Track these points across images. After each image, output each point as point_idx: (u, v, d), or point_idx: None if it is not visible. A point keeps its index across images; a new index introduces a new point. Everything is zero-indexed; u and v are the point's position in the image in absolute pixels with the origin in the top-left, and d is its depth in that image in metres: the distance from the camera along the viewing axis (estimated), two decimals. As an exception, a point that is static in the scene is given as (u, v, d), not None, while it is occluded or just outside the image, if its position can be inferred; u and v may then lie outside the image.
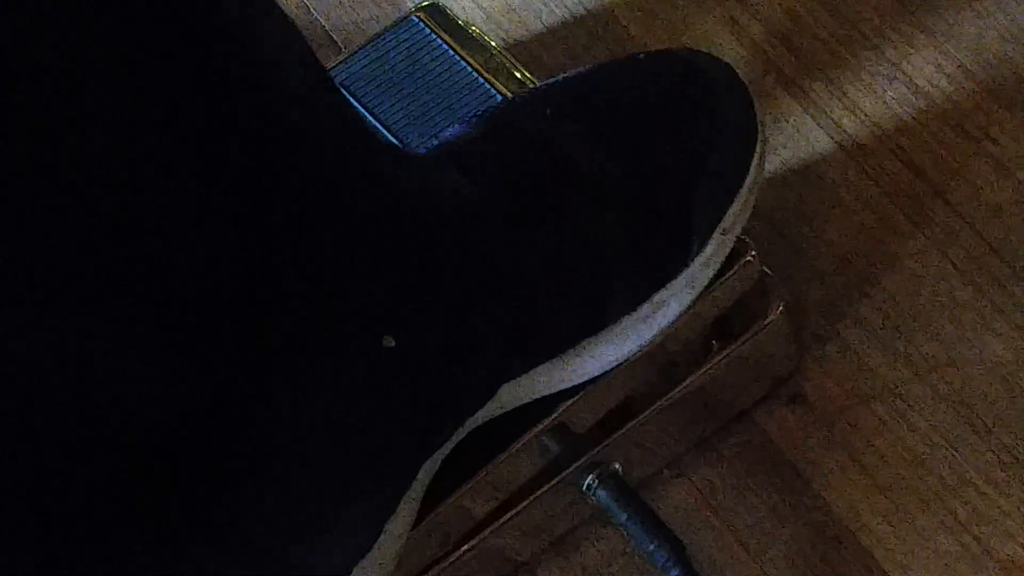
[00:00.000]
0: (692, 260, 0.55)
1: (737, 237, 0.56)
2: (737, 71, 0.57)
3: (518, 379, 0.53)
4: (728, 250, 0.56)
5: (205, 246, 0.40)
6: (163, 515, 0.44)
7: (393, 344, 0.47)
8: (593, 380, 0.55)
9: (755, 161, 0.56)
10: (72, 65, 0.36)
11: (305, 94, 0.44)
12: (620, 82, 0.56)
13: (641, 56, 0.58)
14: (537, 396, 0.54)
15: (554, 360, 0.53)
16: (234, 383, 0.43)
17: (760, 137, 0.56)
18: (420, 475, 0.51)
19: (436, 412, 0.50)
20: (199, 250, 0.40)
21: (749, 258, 0.57)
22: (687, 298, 0.55)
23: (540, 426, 0.55)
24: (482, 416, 0.53)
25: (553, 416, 0.55)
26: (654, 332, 0.55)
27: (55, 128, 0.36)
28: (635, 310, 0.54)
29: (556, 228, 0.52)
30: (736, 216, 0.55)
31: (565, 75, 0.56)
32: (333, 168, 0.45)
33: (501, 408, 0.54)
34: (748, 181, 0.56)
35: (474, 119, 0.54)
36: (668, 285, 0.54)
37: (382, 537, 0.50)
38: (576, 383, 0.55)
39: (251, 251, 0.42)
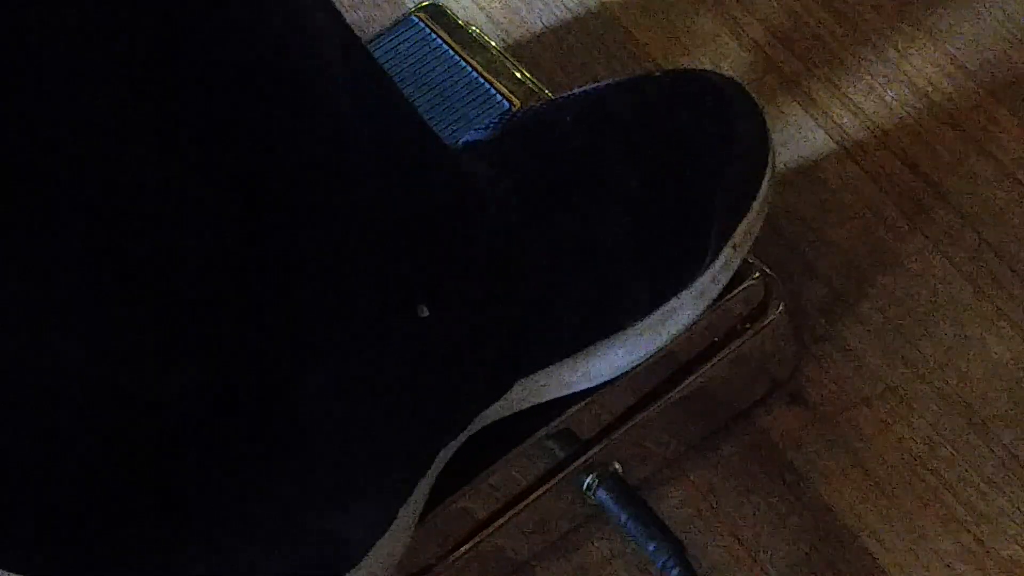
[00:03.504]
0: (704, 270, 0.55)
1: (744, 259, 0.57)
2: (750, 92, 0.58)
3: (530, 377, 0.53)
4: (737, 264, 0.56)
5: (239, 224, 0.41)
6: (178, 493, 0.44)
7: (427, 314, 0.47)
8: (600, 387, 0.55)
9: (767, 177, 0.57)
10: (79, 55, 0.36)
11: (346, 73, 0.44)
12: (637, 95, 0.57)
13: (657, 73, 0.59)
14: (549, 397, 0.55)
15: (565, 360, 0.54)
16: (261, 363, 0.43)
17: (771, 155, 0.57)
18: (432, 466, 0.52)
19: (451, 402, 0.51)
20: (234, 224, 0.40)
21: (752, 280, 0.57)
22: (697, 309, 0.56)
23: (544, 430, 0.56)
24: (494, 413, 0.53)
25: (558, 421, 0.55)
26: (664, 340, 0.55)
27: (60, 122, 0.36)
28: (647, 316, 0.54)
29: (571, 226, 0.52)
30: (747, 230, 0.56)
31: (581, 89, 0.57)
32: (370, 145, 0.45)
33: (512, 407, 0.54)
34: (760, 196, 0.56)
35: (491, 125, 0.55)
36: (680, 294, 0.55)
37: (395, 523, 0.50)
38: (587, 387, 0.55)
39: (292, 228, 0.42)
